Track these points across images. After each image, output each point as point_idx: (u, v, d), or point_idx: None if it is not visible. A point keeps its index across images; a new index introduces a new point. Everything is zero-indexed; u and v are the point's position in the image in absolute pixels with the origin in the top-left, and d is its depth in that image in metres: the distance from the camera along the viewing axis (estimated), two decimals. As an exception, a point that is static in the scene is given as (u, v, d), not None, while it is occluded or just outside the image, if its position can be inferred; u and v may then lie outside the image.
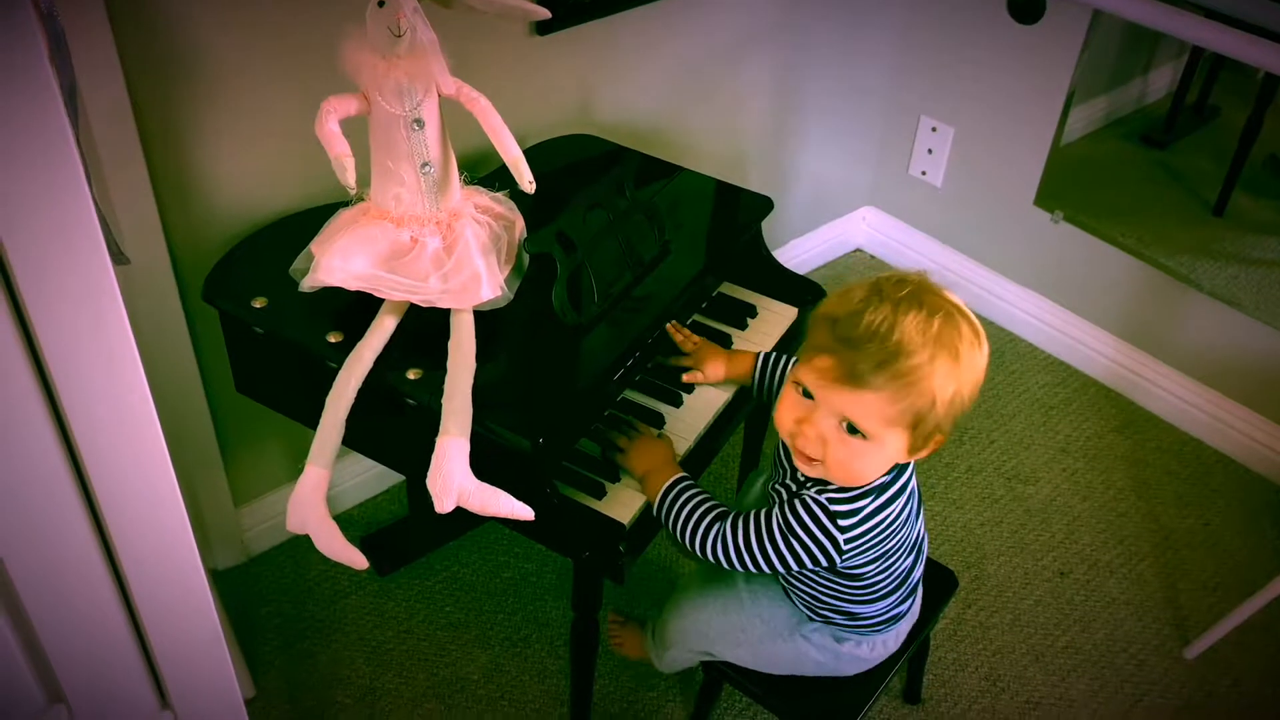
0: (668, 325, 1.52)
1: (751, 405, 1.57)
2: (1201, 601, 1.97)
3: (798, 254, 2.65)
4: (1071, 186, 2.38)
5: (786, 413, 1.22)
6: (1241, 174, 2.25)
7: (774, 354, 1.50)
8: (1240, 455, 2.25)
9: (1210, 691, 1.82)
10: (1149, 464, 2.25)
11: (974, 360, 1.16)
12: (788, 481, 1.31)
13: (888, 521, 1.25)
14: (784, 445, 1.33)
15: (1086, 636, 1.90)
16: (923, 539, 1.39)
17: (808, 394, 1.18)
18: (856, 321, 1.13)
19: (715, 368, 1.50)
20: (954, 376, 1.14)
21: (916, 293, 1.15)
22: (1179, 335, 2.29)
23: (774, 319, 1.66)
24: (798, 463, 1.23)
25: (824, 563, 1.24)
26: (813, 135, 2.47)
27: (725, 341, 1.59)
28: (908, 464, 1.26)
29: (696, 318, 1.64)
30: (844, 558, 1.24)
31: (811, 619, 1.41)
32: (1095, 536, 2.08)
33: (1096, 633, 1.91)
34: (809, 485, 1.25)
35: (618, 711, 1.74)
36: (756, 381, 1.49)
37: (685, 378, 1.50)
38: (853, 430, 1.17)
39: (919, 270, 1.20)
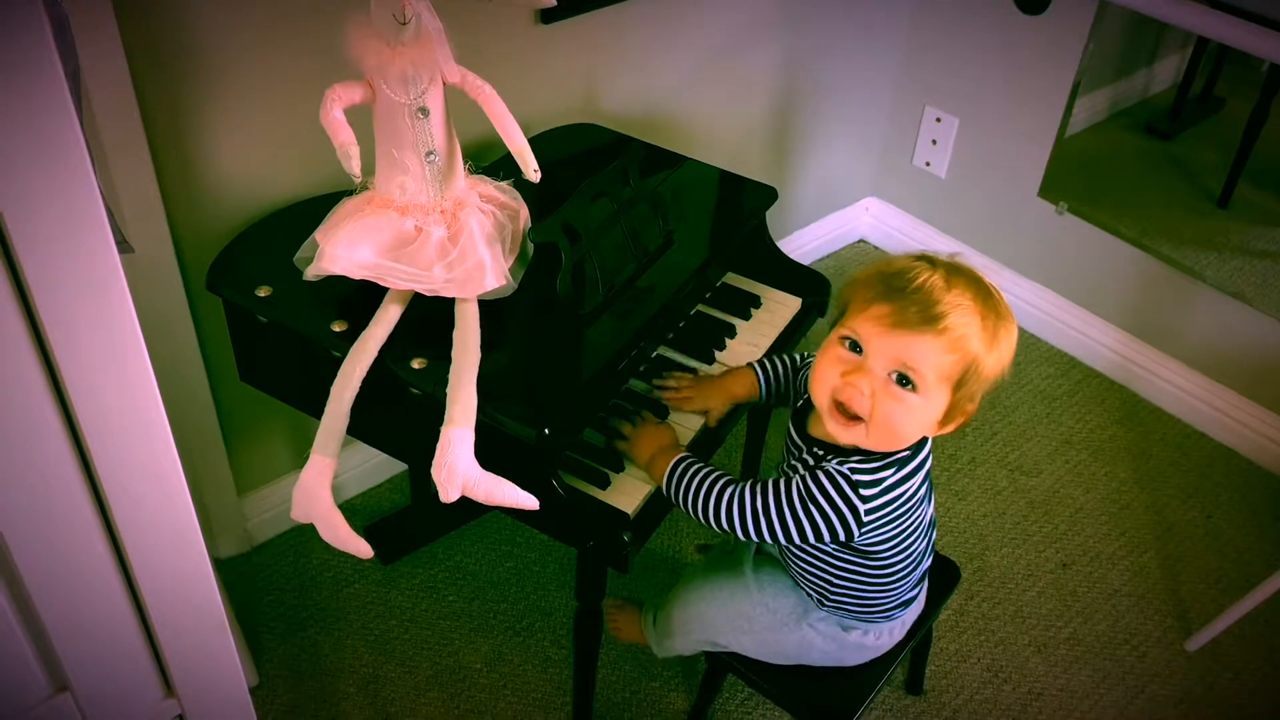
0: (655, 389, 1.48)
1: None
2: (1203, 594, 1.97)
3: (801, 244, 2.65)
4: (1076, 178, 2.37)
5: (829, 369, 1.21)
6: (1246, 166, 2.25)
7: (765, 358, 1.50)
8: (1243, 448, 2.25)
9: (1211, 684, 1.82)
10: (1152, 456, 2.25)
11: (1013, 331, 1.21)
12: (804, 457, 1.31)
13: (906, 496, 1.25)
14: (795, 425, 1.33)
15: (1088, 628, 1.90)
16: (934, 522, 1.40)
17: (855, 348, 1.19)
18: (912, 278, 1.17)
19: (718, 398, 1.47)
20: (998, 341, 1.18)
21: (960, 265, 1.20)
22: (1183, 327, 2.28)
23: (778, 309, 1.65)
24: (834, 429, 1.22)
25: (841, 535, 1.24)
26: (817, 125, 2.46)
27: (730, 331, 1.59)
28: (926, 442, 1.27)
29: (700, 307, 1.64)
30: (862, 530, 1.24)
31: (821, 605, 1.41)
32: (1097, 529, 2.08)
33: (1098, 624, 1.91)
34: (829, 458, 1.25)
35: (620, 701, 1.74)
36: (765, 384, 1.47)
37: (710, 422, 1.47)
38: (903, 382, 1.17)
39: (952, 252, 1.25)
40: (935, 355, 1.16)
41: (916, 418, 1.20)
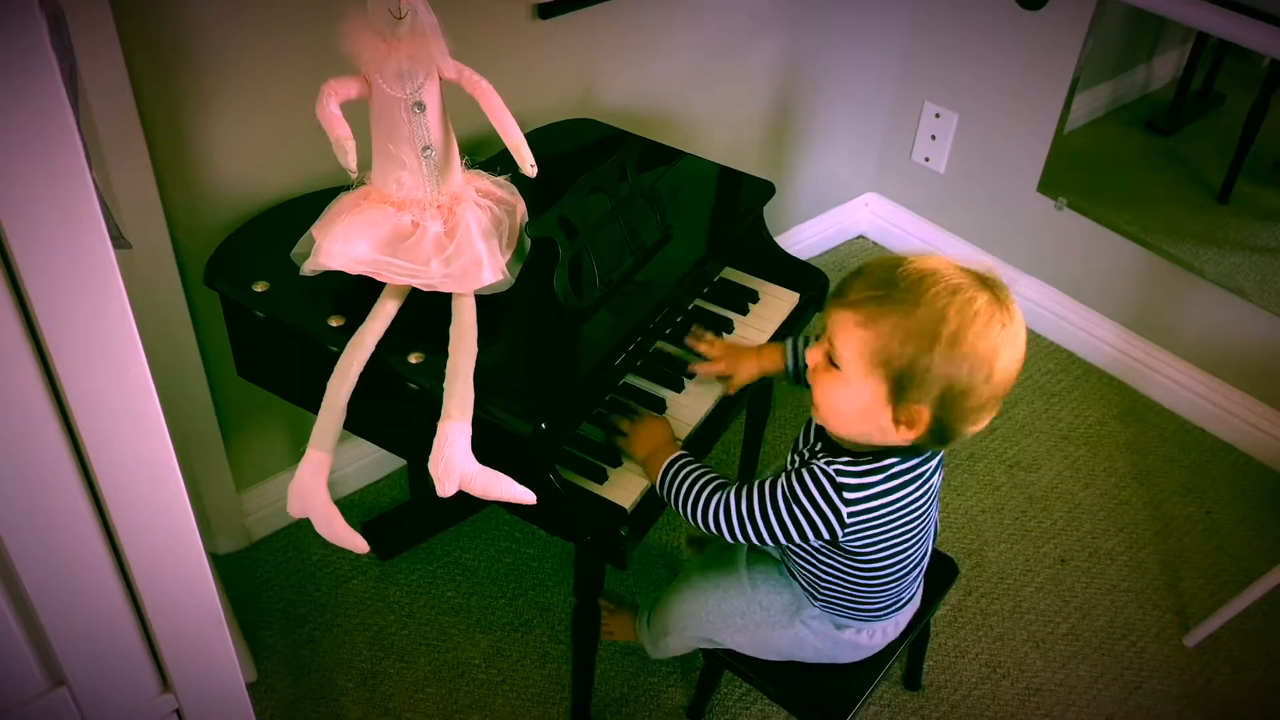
0: (689, 339, 1.51)
1: (753, 390, 1.56)
2: (1202, 589, 1.97)
3: (800, 240, 2.64)
4: (1075, 173, 2.37)
5: (809, 355, 1.26)
6: (1246, 161, 2.24)
7: (799, 336, 1.49)
8: (1242, 443, 2.25)
9: (1209, 679, 1.83)
10: (1151, 451, 2.25)
11: (981, 334, 1.11)
12: (803, 449, 1.32)
13: (897, 505, 1.24)
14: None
15: (1087, 624, 1.90)
16: (935, 530, 1.40)
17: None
18: (886, 261, 1.17)
19: (748, 367, 1.47)
20: (938, 333, 1.11)
21: (968, 268, 1.15)
22: (1182, 322, 2.28)
23: (776, 304, 1.65)
24: (813, 409, 1.26)
25: (825, 535, 1.24)
26: (816, 121, 2.46)
27: (727, 326, 1.59)
28: (926, 455, 1.25)
29: (698, 303, 1.64)
30: (845, 531, 1.24)
31: (814, 601, 1.41)
32: (1096, 524, 2.08)
33: (1097, 620, 1.91)
34: (820, 455, 1.26)
35: (619, 696, 1.75)
36: (793, 361, 1.46)
37: (731, 388, 1.47)
38: (833, 361, 1.19)
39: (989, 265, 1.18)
40: (850, 328, 1.15)
41: (847, 401, 1.18)
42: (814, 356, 1.22)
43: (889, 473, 1.22)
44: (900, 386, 1.14)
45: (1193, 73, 2.35)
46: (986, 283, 1.15)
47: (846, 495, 1.22)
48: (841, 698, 1.44)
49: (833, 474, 1.22)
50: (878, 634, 1.43)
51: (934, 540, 1.41)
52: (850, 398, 1.18)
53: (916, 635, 1.55)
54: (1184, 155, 2.43)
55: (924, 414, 1.15)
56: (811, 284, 1.68)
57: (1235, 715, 1.78)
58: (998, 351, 1.13)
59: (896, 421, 1.17)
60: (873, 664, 1.47)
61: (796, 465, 1.28)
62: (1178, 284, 2.25)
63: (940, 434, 1.18)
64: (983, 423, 1.19)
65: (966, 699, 1.78)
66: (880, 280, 1.14)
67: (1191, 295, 2.23)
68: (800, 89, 2.36)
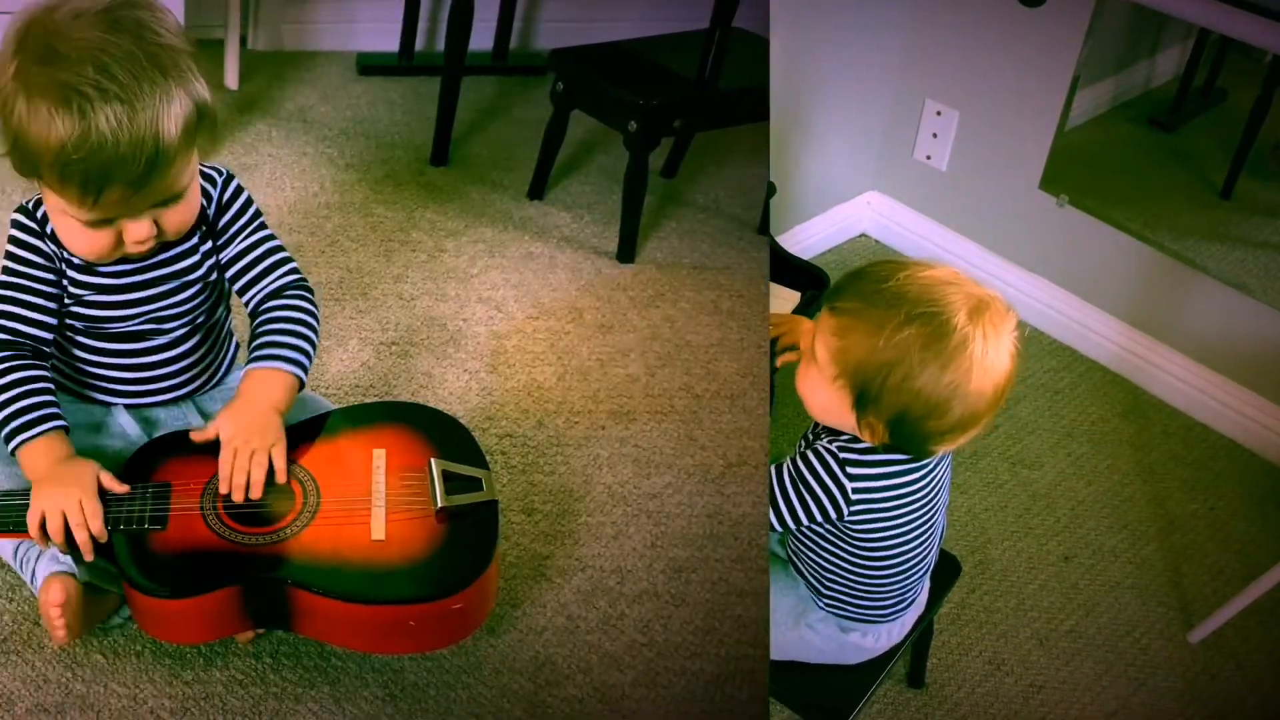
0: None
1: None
2: (1206, 586, 1.96)
3: (802, 239, 2.64)
4: (1077, 170, 2.36)
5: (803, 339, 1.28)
6: (1249, 157, 2.24)
7: None
8: (1246, 440, 2.24)
9: (1214, 675, 1.82)
10: (1154, 449, 2.24)
11: (946, 367, 1.12)
12: (809, 434, 1.33)
13: (900, 492, 1.25)
14: None
15: (1090, 621, 1.90)
16: (942, 533, 1.40)
17: None
18: (886, 264, 1.18)
19: (810, 335, 1.47)
20: (896, 361, 1.12)
21: (963, 289, 1.14)
22: (1185, 319, 2.28)
23: (777, 303, 1.65)
24: None
25: (831, 513, 1.24)
26: (816, 119, 2.46)
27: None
28: (935, 454, 1.25)
29: (699, 302, 1.64)
30: (850, 510, 1.24)
31: (819, 601, 1.40)
32: (1100, 521, 2.08)
33: (1100, 617, 1.91)
34: (823, 437, 1.27)
35: (622, 695, 1.74)
36: None
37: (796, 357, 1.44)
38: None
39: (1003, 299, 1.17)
40: (825, 334, 1.18)
41: (815, 395, 1.22)
42: (805, 342, 1.25)
43: (890, 460, 1.23)
44: (861, 399, 1.16)
45: (1195, 69, 2.35)
46: (975, 311, 1.13)
47: (850, 471, 1.22)
48: (844, 696, 1.44)
49: (836, 450, 1.23)
50: (883, 637, 1.43)
51: (940, 541, 1.41)
52: (819, 393, 1.21)
53: (920, 633, 1.55)
54: (1187, 151, 2.43)
55: (880, 429, 1.18)
56: (813, 283, 1.68)
57: (1240, 711, 1.78)
58: (963, 384, 1.13)
59: (860, 427, 1.19)
60: (876, 662, 1.46)
61: (802, 449, 1.28)
62: (1181, 280, 2.25)
63: (907, 448, 1.20)
64: (958, 442, 1.19)
65: (970, 696, 1.77)
66: (865, 291, 1.16)
67: (1194, 291, 2.23)
68: (800, 87, 2.36)
